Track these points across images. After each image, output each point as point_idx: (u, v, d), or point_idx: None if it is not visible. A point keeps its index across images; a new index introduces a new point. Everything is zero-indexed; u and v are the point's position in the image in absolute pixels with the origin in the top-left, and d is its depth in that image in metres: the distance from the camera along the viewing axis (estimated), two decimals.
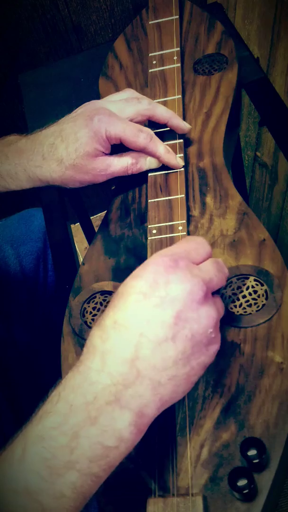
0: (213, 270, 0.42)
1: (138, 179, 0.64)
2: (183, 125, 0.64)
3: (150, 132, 0.60)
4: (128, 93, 0.64)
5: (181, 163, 0.62)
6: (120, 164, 0.60)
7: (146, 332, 0.37)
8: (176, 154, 0.63)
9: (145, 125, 0.62)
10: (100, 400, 0.36)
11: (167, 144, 0.62)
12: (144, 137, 0.59)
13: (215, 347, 0.40)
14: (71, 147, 0.59)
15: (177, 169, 0.62)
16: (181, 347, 0.38)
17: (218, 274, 0.43)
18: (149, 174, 0.63)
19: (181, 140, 0.64)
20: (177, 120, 0.64)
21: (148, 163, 0.61)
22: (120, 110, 0.61)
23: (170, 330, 0.38)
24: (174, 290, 0.39)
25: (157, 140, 0.61)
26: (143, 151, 0.61)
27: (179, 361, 0.38)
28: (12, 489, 0.34)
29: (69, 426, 0.35)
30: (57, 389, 0.38)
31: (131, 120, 0.61)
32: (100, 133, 0.58)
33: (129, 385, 0.36)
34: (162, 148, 0.61)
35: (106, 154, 0.60)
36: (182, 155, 0.63)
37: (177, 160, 0.62)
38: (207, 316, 0.39)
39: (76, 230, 1.47)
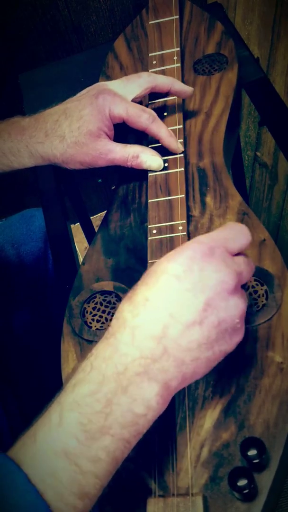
0: (244, 264, 0.43)
1: (139, 178, 0.64)
2: (186, 88, 0.65)
3: (153, 113, 0.61)
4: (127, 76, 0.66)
5: (181, 148, 0.63)
6: (121, 153, 0.61)
7: (175, 313, 0.39)
8: (176, 154, 0.63)
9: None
10: (130, 371, 0.38)
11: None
12: (147, 117, 0.60)
13: (238, 338, 0.42)
14: (75, 125, 0.59)
15: (177, 153, 0.63)
16: (207, 332, 0.39)
17: (248, 268, 0.44)
18: (149, 174, 0.63)
19: (181, 140, 0.64)
20: (179, 84, 0.65)
21: (148, 161, 0.62)
22: (123, 89, 0.62)
23: (199, 315, 0.39)
24: (207, 277, 0.40)
25: (160, 122, 0.62)
26: (146, 131, 0.61)
27: (203, 345, 0.39)
28: (53, 451, 0.36)
29: (102, 393, 0.37)
30: (88, 360, 0.39)
31: (136, 97, 0.62)
32: (104, 111, 0.59)
33: (156, 359, 0.38)
34: (164, 130, 0.62)
35: (109, 138, 0.61)
36: (182, 155, 0.63)
37: (177, 144, 0.62)
38: (235, 307, 0.40)
39: (76, 230, 1.47)
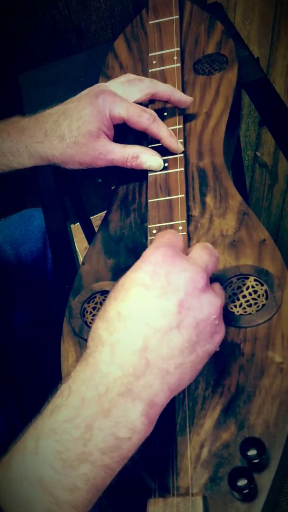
0: (205, 256, 0.43)
1: (139, 178, 0.64)
2: (185, 98, 0.65)
3: (153, 113, 0.61)
4: (128, 76, 0.66)
5: (182, 148, 0.63)
6: (121, 153, 0.61)
7: (151, 322, 0.38)
8: (176, 154, 0.63)
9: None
10: (112, 391, 0.36)
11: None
12: (147, 117, 0.60)
13: (219, 336, 0.41)
14: (74, 125, 0.59)
15: (177, 153, 0.63)
16: (187, 335, 0.38)
17: (211, 258, 0.43)
18: (149, 174, 0.63)
19: (181, 140, 0.64)
20: (179, 94, 0.65)
21: (148, 162, 0.62)
22: (124, 91, 0.62)
23: (175, 319, 0.38)
24: (175, 279, 0.39)
25: (160, 122, 0.62)
26: (146, 131, 0.61)
27: (185, 349, 0.38)
28: (27, 481, 0.34)
29: (81, 418, 0.36)
30: (67, 383, 0.38)
31: (136, 101, 0.62)
32: (104, 112, 0.59)
33: (140, 375, 0.37)
34: (164, 130, 0.61)
35: (108, 138, 0.61)
36: (182, 155, 0.63)
37: (178, 144, 0.62)
38: (209, 304, 0.40)
39: (76, 230, 1.47)
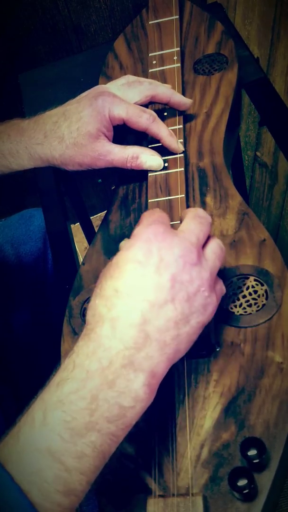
0: (196, 228, 0.44)
1: (139, 178, 0.64)
2: (185, 100, 0.65)
3: (153, 113, 0.61)
4: (128, 78, 0.66)
5: (182, 148, 0.63)
6: (121, 154, 0.61)
7: (148, 297, 0.40)
8: (176, 154, 0.63)
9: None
10: (115, 364, 0.38)
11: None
12: (147, 117, 0.60)
13: (212, 307, 0.43)
14: (74, 126, 0.60)
15: (177, 153, 0.63)
16: (180, 308, 0.40)
17: (202, 227, 0.45)
18: (149, 174, 0.63)
19: (181, 140, 0.64)
20: (179, 97, 0.65)
21: (148, 162, 0.62)
22: (123, 93, 0.63)
23: (169, 293, 0.40)
24: (166, 255, 0.41)
25: (160, 122, 0.62)
26: (146, 131, 0.61)
27: (180, 321, 0.40)
28: (37, 450, 0.36)
29: (87, 390, 0.37)
30: (71, 357, 0.39)
31: (135, 103, 0.62)
32: (103, 112, 0.59)
33: (140, 348, 0.39)
34: (164, 130, 0.62)
35: (108, 139, 0.61)
36: (182, 155, 0.63)
37: (178, 144, 0.63)
38: (198, 277, 0.42)
39: (76, 230, 1.47)
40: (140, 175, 0.63)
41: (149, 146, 0.64)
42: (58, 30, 1.12)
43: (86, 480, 0.37)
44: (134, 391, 0.38)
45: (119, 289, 0.40)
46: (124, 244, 0.45)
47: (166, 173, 0.62)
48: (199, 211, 0.46)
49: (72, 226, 1.44)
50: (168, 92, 0.64)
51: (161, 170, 0.62)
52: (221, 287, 0.45)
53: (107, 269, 0.42)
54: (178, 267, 0.41)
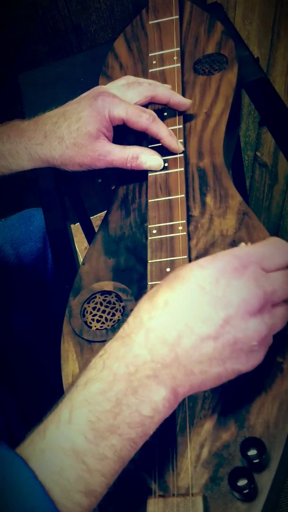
0: (280, 282, 0.41)
1: (138, 178, 0.64)
2: (184, 101, 0.65)
3: (153, 113, 0.61)
4: (127, 79, 0.66)
5: (181, 147, 0.63)
6: (121, 154, 0.61)
7: (192, 324, 0.38)
8: (176, 154, 0.63)
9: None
10: (140, 372, 0.38)
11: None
12: (147, 117, 0.60)
13: (255, 360, 0.40)
14: (74, 126, 0.60)
15: (177, 153, 0.63)
16: (220, 348, 0.39)
17: (285, 286, 0.41)
18: (149, 174, 0.63)
19: (181, 140, 0.64)
20: (178, 97, 0.65)
21: (148, 162, 0.62)
22: (123, 94, 0.63)
23: (215, 330, 0.38)
24: (232, 294, 0.39)
25: (160, 121, 0.62)
26: (146, 131, 0.61)
27: (214, 360, 0.39)
28: (61, 449, 0.36)
29: (113, 393, 0.38)
30: (101, 357, 0.40)
31: (135, 104, 0.62)
32: (103, 113, 0.59)
33: (167, 365, 0.38)
34: (164, 130, 0.62)
35: (108, 139, 0.61)
36: (182, 155, 0.63)
37: (178, 144, 0.63)
38: (254, 329, 0.39)
39: (76, 230, 1.47)
40: (140, 175, 0.63)
41: (149, 146, 0.64)
42: (58, 30, 1.12)
43: (106, 482, 0.37)
44: (154, 402, 0.38)
45: (169, 303, 0.39)
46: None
47: (166, 173, 0.62)
48: None
49: (72, 226, 1.44)
50: (167, 93, 0.64)
51: (161, 170, 0.62)
52: (269, 340, 0.42)
53: (170, 277, 0.41)
54: (238, 312, 0.38)
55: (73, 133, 0.60)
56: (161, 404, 0.38)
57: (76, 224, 1.46)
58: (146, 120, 0.60)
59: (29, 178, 1.31)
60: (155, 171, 0.62)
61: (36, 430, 0.38)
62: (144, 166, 0.62)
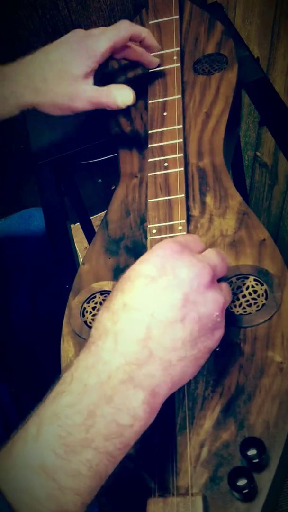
0: (216, 258, 0.43)
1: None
2: (156, 44, 0.71)
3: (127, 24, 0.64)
4: (102, 28, 0.67)
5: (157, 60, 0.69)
6: (99, 92, 0.62)
7: (156, 313, 0.38)
8: (176, 154, 0.63)
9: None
10: (114, 379, 0.37)
11: (165, 144, 0.63)
12: (124, 26, 0.63)
13: (219, 332, 0.41)
14: (56, 67, 0.61)
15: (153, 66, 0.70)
16: (189, 328, 0.39)
17: (222, 261, 0.44)
18: (149, 174, 0.63)
19: (181, 140, 0.64)
20: (151, 40, 0.69)
21: (118, 96, 0.62)
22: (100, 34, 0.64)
23: (179, 312, 0.38)
24: (181, 273, 0.40)
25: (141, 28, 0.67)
26: (133, 38, 0.65)
27: (188, 342, 0.38)
28: (29, 466, 0.34)
29: (84, 405, 0.36)
30: (69, 370, 0.38)
31: (116, 41, 0.63)
32: (86, 52, 0.61)
33: (142, 364, 0.37)
34: (145, 30, 0.67)
35: (89, 80, 0.62)
36: (181, 155, 0.63)
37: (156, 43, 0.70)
38: (213, 300, 0.40)
39: (76, 230, 1.47)
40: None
41: (149, 146, 0.64)
42: (58, 30, 1.11)
43: (81, 501, 0.35)
44: (132, 409, 0.36)
45: (127, 303, 0.39)
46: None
47: (166, 173, 0.62)
48: (223, 251, 0.46)
49: (72, 226, 1.44)
50: (142, 31, 0.67)
51: (161, 170, 0.62)
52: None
53: (119, 282, 0.41)
54: (192, 287, 0.39)
55: (56, 74, 0.61)
56: (141, 410, 0.36)
57: (76, 224, 1.45)
58: (125, 29, 0.63)
59: (29, 178, 1.31)
60: (155, 170, 0.62)
61: (4, 447, 0.36)
62: (118, 102, 0.63)
